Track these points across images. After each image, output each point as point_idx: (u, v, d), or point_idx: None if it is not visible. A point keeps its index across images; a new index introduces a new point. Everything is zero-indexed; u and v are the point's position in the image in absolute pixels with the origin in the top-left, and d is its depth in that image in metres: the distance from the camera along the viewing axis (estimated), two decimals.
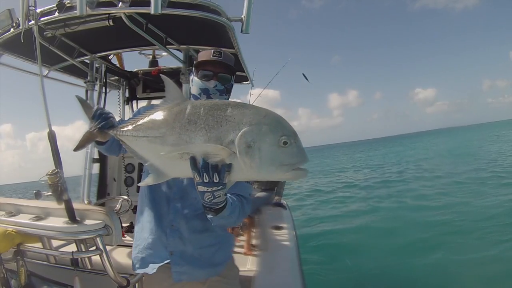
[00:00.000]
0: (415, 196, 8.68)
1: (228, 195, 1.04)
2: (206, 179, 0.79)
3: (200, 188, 0.82)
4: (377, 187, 11.07)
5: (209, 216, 0.95)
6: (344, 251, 4.96)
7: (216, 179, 0.79)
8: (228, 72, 1.31)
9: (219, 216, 0.94)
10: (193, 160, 0.80)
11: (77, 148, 1.12)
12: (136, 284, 1.61)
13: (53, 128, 1.60)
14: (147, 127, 0.91)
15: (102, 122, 1.04)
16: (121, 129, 1.01)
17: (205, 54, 1.31)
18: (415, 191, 9.30)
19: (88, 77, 2.89)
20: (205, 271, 1.26)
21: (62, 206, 1.47)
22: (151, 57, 3.51)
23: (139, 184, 1.04)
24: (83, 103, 1.14)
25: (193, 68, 1.35)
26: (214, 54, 1.28)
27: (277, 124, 0.81)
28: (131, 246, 1.37)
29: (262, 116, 0.81)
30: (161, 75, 0.98)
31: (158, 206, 1.26)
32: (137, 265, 1.29)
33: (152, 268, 1.23)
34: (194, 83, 1.32)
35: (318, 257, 4.77)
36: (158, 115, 0.90)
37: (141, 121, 0.95)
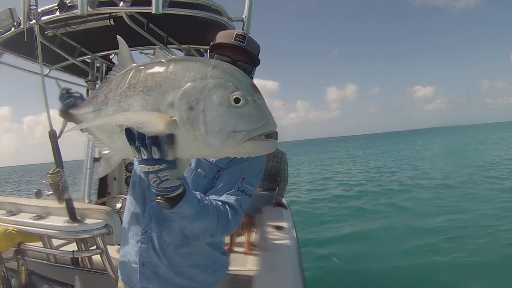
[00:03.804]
0: (413, 197, 8.65)
1: (207, 197, 0.90)
2: (144, 155, 0.63)
3: (143, 167, 0.66)
4: (374, 189, 10.98)
5: (165, 210, 0.76)
6: (338, 252, 4.95)
7: (155, 155, 0.63)
8: (250, 62, 1.08)
9: (178, 212, 0.74)
10: (128, 132, 0.63)
11: (59, 135, 1.10)
12: None
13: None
14: (96, 100, 0.78)
15: (63, 103, 0.95)
16: (78, 108, 0.89)
17: (225, 36, 1.08)
18: (414, 193, 9.26)
19: (89, 77, 2.91)
20: None
21: (63, 205, 1.47)
22: (152, 56, 3.52)
23: (96, 177, 0.94)
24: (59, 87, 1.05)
25: (208, 51, 1.13)
26: (236, 38, 1.04)
27: (227, 76, 0.62)
28: None
29: (209, 68, 0.62)
30: (117, 36, 0.83)
31: (135, 208, 1.08)
32: (119, 271, 1.13)
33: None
34: None
35: (317, 257, 4.78)
36: (106, 85, 0.77)
37: (93, 95, 0.82)
